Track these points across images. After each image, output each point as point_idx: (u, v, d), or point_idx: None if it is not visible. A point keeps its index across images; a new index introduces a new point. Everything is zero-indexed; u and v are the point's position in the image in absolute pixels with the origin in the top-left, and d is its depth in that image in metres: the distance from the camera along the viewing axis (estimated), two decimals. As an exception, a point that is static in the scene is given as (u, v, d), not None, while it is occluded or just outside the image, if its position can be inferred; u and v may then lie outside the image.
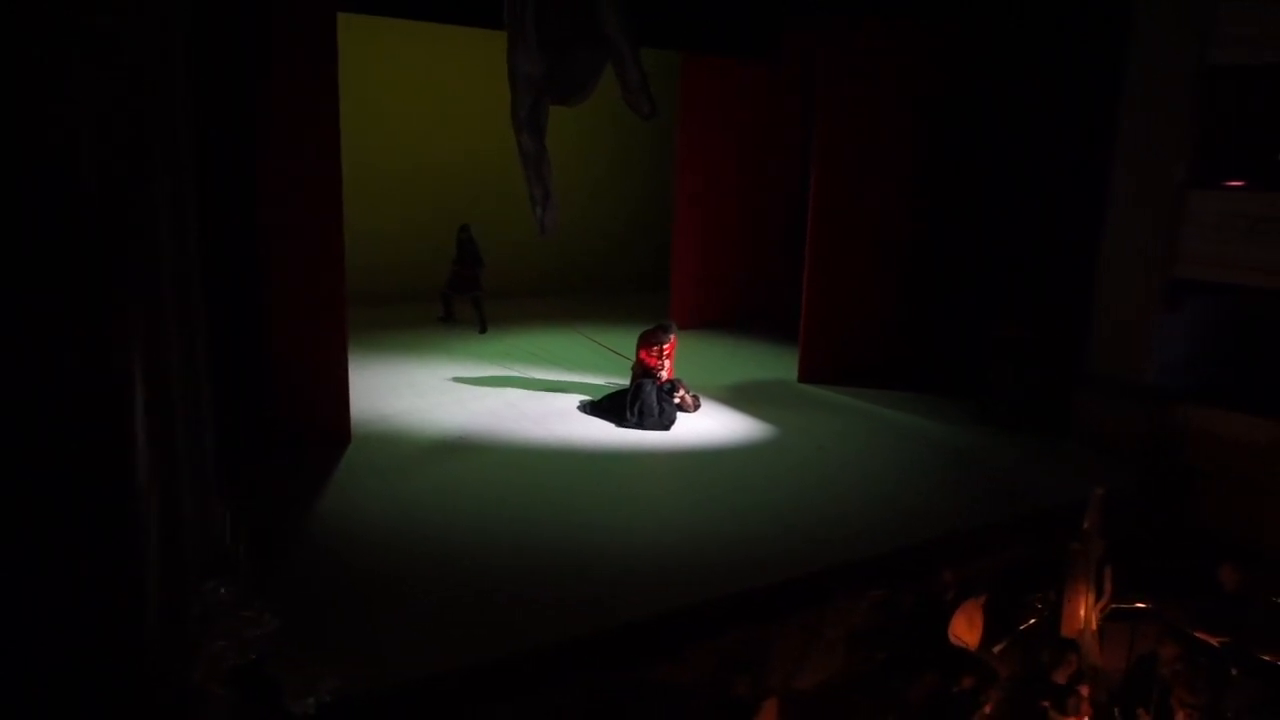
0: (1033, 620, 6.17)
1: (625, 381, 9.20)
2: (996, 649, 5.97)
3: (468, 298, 12.32)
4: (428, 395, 9.40)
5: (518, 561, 6.02)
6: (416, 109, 13.52)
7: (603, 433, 8.59)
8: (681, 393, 9.08)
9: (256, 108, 6.96)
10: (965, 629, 5.99)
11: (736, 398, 9.84)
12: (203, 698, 3.39)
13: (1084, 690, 5.40)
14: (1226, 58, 8.39)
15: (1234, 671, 5.68)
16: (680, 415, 8.97)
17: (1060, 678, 5.44)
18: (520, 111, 8.19)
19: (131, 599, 2.65)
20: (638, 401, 8.78)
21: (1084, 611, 6.02)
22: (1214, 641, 5.98)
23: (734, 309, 13.23)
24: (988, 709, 5.26)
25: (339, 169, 7.39)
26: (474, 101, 13.28)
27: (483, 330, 12.18)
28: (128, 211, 3.22)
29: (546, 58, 8.04)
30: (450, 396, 9.41)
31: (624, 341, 11.19)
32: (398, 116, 13.34)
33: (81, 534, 2.55)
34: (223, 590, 3.56)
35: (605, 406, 9.03)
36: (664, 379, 9.01)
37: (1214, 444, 8.36)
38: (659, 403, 8.83)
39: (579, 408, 9.18)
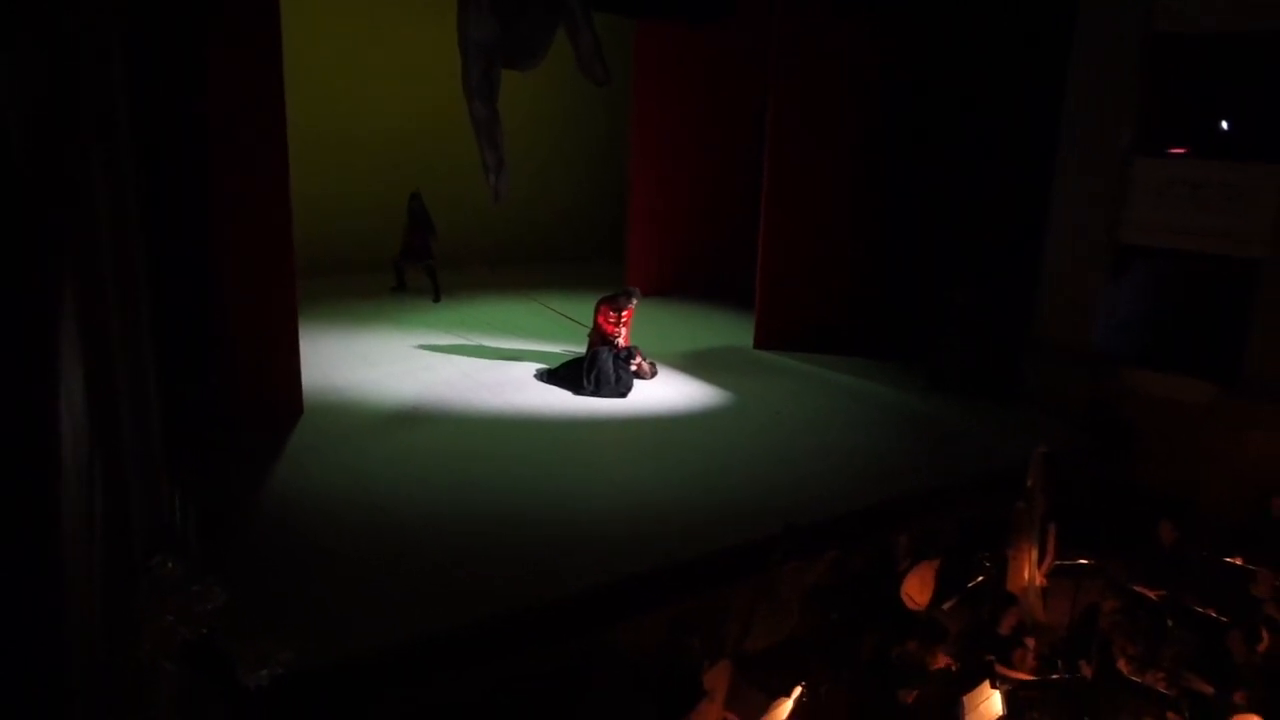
0: (981, 578, 6.34)
1: (582, 349, 9.18)
2: (946, 606, 6.13)
3: (420, 266, 12.15)
4: (381, 366, 9.30)
5: (473, 531, 6.02)
6: (367, 73, 13.20)
7: (559, 401, 8.58)
8: (638, 360, 9.10)
9: (199, 72, 6.75)
10: (917, 589, 6.14)
11: (693, 365, 9.89)
12: (153, 673, 3.36)
13: (1029, 643, 5.57)
14: (1170, 25, 8.53)
15: (1170, 623, 5.91)
16: (637, 383, 8.99)
17: (1005, 630, 5.60)
18: (471, 78, 8.05)
19: (55, 577, 2.59)
20: (594, 369, 8.77)
21: (1028, 569, 6.21)
22: (1152, 595, 6.21)
23: (689, 276, 13.24)
24: (937, 666, 5.40)
25: (285, 135, 7.20)
26: (425, 66, 12.99)
27: (436, 299, 12.05)
28: (58, 178, 3.11)
29: (498, 22, 7.90)
30: (404, 367, 9.32)
31: (580, 309, 11.15)
32: (347, 81, 13.01)
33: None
34: (170, 565, 3.50)
35: (562, 375, 9.02)
36: (620, 346, 9.02)
37: (1154, 405, 8.61)
38: (615, 370, 8.83)
39: (535, 376, 9.15)
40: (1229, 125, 9.11)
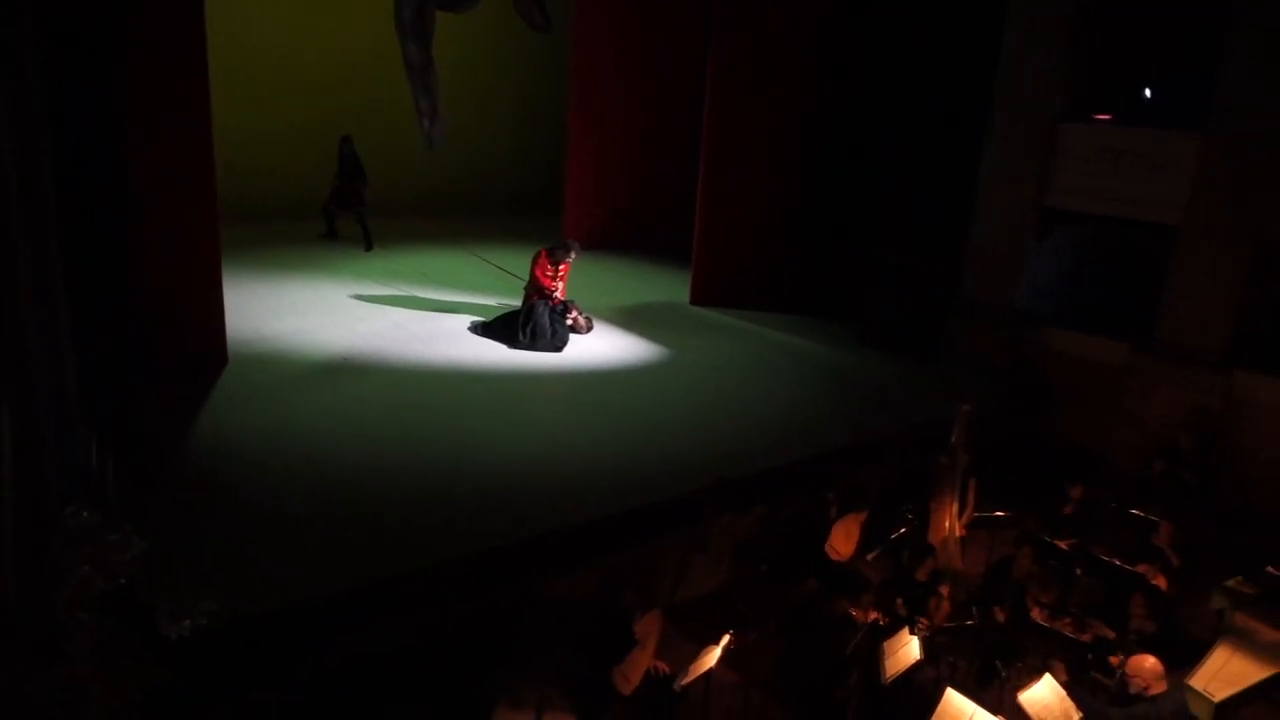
0: (903, 530, 6.54)
1: (517, 302, 9.10)
2: (869, 557, 6.33)
3: (351, 214, 11.85)
4: (311, 315, 9.08)
5: (405, 483, 5.97)
6: (296, 8, 12.66)
7: (494, 354, 8.51)
8: (574, 314, 9.06)
9: (117, 9, 6.38)
10: (842, 541, 6.31)
11: (629, 319, 9.89)
12: (70, 624, 3.27)
13: (944, 590, 5.79)
14: (1100, -8, 8.68)
15: (1078, 571, 6.19)
16: (572, 336, 8.96)
17: (921, 576, 5.81)
18: (405, 17, 7.81)
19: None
20: (530, 322, 8.71)
21: (948, 520, 6.43)
22: (1062, 545, 6.50)
23: (627, 230, 13.18)
24: (865, 620, 5.57)
25: (206, 72, 6.89)
26: (358, 1, 12.54)
27: (368, 248, 11.77)
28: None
29: (432, -41, 7.66)
30: (334, 317, 9.12)
31: (515, 261, 11.03)
32: (275, 17, 12.47)
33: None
34: (85, 514, 3.40)
35: (497, 327, 8.94)
36: (557, 300, 8.96)
37: (1072, 363, 8.94)
38: (551, 324, 8.79)
39: (470, 329, 9.05)
40: (1152, 93, 9.37)
